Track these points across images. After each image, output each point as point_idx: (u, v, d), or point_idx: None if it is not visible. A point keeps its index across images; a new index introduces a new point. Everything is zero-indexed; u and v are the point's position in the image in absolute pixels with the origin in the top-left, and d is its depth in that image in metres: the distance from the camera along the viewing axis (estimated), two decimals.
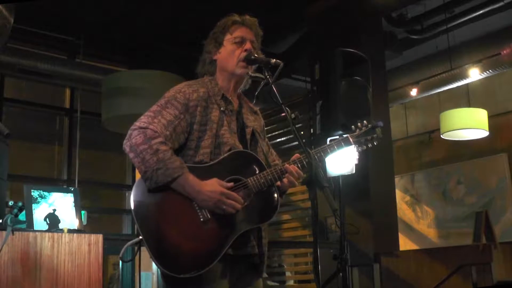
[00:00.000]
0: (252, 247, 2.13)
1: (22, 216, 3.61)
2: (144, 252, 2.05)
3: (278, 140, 6.17)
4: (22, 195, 3.69)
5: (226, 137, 2.14)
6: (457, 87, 6.57)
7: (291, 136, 5.96)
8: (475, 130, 5.34)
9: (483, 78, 6.34)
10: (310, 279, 5.86)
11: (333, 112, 4.04)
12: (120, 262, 4.14)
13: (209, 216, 2.04)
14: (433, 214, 7.50)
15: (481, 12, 5.63)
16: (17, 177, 6.11)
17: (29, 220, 3.58)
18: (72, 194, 3.93)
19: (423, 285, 4.68)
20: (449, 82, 6.42)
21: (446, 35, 5.85)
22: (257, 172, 2.11)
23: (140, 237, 2.02)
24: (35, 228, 3.54)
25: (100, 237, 3.60)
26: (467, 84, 6.67)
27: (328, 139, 2.33)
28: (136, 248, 2.19)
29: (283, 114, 2.16)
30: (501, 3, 5.41)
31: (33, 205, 3.66)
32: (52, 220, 3.68)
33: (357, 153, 3.85)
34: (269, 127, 5.97)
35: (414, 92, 6.82)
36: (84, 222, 4.15)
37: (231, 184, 2.07)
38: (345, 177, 4.20)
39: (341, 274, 3.15)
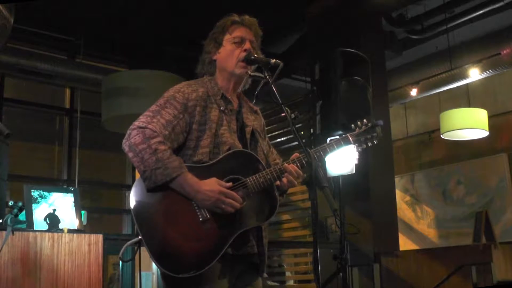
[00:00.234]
0: (251, 246, 2.13)
1: (22, 216, 3.61)
2: (144, 252, 2.05)
3: (278, 140, 6.16)
4: (22, 195, 3.70)
5: (225, 137, 2.14)
6: (457, 87, 6.57)
7: (291, 136, 5.95)
8: (475, 130, 5.34)
9: (483, 78, 6.34)
10: (310, 279, 5.85)
11: (333, 112, 4.04)
12: (120, 262, 4.15)
13: (208, 216, 2.04)
14: (433, 214, 7.50)
15: (481, 12, 5.63)
16: (17, 177, 6.12)
17: (29, 220, 3.58)
18: (72, 194, 3.94)
19: (423, 285, 4.68)
20: (449, 82, 6.43)
21: (446, 35, 5.85)
22: (256, 171, 2.11)
23: (140, 237, 2.02)
24: (35, 228, 3.54)
25: (100, 237, 3.61)
26: (467, 84, 6.67)
27: (328, 139, 2.33)
28: (136, 248, 2.19)
29: (283, 114, 2.16)
30: (501, 3, 5.41)
31: (33, 205, 3.66)
32: (52, 220, 3.68)
33: (357, 153, 3.85)
34: (269, 127, 5.96)
35: (414, 92, 6.82)
36: (84, 222, 4.16)
37: (230, 184, 2.07)
38: (345, 177, 4.19)
39: (341, 274, 3.15)
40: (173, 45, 6.48)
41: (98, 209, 7.26)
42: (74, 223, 3.80)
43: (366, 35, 5.59)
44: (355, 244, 5.06)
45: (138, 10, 5.97)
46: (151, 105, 2.18)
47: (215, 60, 2.29)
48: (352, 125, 2.29)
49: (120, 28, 6.35)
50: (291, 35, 6.54)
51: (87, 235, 3.58)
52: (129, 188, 7.36)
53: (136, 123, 2.10)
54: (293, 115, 2.12)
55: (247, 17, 2.30)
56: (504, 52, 5.86)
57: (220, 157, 2.10)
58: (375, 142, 2.30)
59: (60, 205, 3.80)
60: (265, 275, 2.24)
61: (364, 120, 2.30)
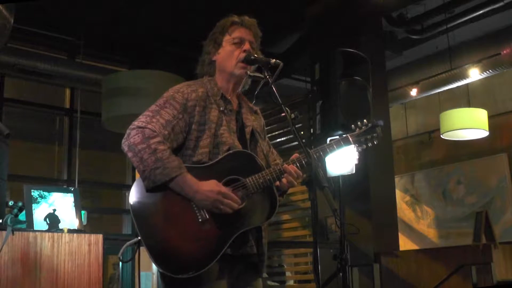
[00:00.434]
0: (250, 247, 2.13)
1: (22, 216, 3.62)
2: (144, 252, 2.05)
3: (278, 140, 6.17)
4: (22, 195, 3.69)
5: (225, 137, 2.14)
6: (457, 87, 6.56)
7: (291, 136, 5.95)
8: (475, 130, 5.34)
9: (483, 78, 6.34)
10: (310, 279, 5.86)
11: (333, 112, 4.04)
12: (120, 262, 4.15)
13: (208, 216, 2.04)
14: (433, 214, 7.50)
15: (481, 12, 5.62)
16: (17, 177, 6.12)
17: (29, 220, 3.58)
18: (72, 194, 3.94)
19: (423, 285, 4.67)
20: (449, 82, 6.42)
21: (446, 35, 5.85)
22: (256, 172, 2.11)
23: (139, 237, 2.02)
24: (35, 228, 3.54)
25: (100, 237, 3.60)
26: (467, 84, 6.66)
27: (328, 139, 2.33)
28: (135, 248, 2.19)
29: (283, 114, 2.16)
30: (501, 3, 5.40)
31: (33, 205, 3.66)
32: (52, 220, 3.68)
33: (357, 153, 3.85)
34: (269, 127, 5.97)
35: (414, 92, 6.81)
36: (84, 222, 4.15)
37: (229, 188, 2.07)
38: (345, 177, 4.19)
39: (341, 274, 3.15)
40: (173, 45, 6.48)
41: (98, 209, 7.26)
42: (74, 223, 3.80)
43: (366, 35, 5.59)
44: (355, 244, 5.06)
45: (138, 10, 5.97)
46: (151, 105, 2.18)
47: (214, 61, 2.29)
48: (352, 125, 2.29)
49: (120, 28, 6.35)
50: (291, 35, 6.53)
51: (87, 235, 3.58)
52: (129, 188, 7.35)
53: (136, 123, 2.10)
54: (293, 115, 2.12)
55: (246, 17, 2.30)
56: (504, 52, 5.85)
57: (220, 157, 2.10)
58: (375, 142, 2.30)
59: (60, 205, 3.80)
60: (264, 275, 2.24)
61: (364, 121, 2.29)
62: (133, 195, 2.07)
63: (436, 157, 7.53)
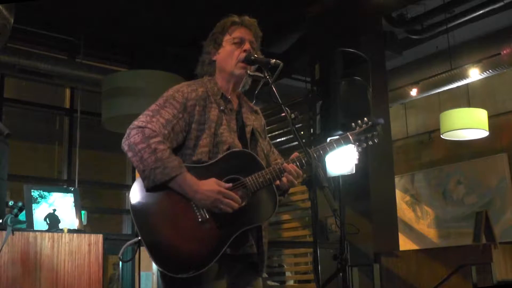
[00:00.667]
0: (250, 246, 2.13)
1: (22, 216, 3.62)
2: (144, 252, 2.05)
3: (278, 140, 6.16)
4: (22, 195, 3.69)
5: (225, 136, 2.14)
6: (457, 87, 6.57)
7: (291, 136, 5.95)
8: (475, 130, 5.34)
9: (483, 78, 6.34)
10: (310, 279, 5.85)
11: (333, 112, 4.04)
12: (120, 262, 4.14)
13: (207, 216, 2.04)
14: (433, 214, 7.50)
15: (481, 12, 5.63)
16: (17, 177, 6.12)
17: (29, 220, 3.58)
18: (72, 194, 3.94)
19: (423, 285, 4.67)
20: (449, 82, 6.42)
21: (446, 35, 5.85)
22: (256, 171, 2.11)
23: (139, 237, 2.02)
24: (35, 228, 3.54)
25: (100, 237, 3.61)
26: (467, 84, 6.66)
27: (328, 139, 2.33)
28: (135, 248, 2.19)
29: (283, 114, 2.15)
30: (501, 3, 5.41)
31: (33, 205, 3.66)
32: (52, 220, 3.68)
33: (357, 153, 3.85)
34: (269, 127, 5.95)
35: (414, 92, 6.81)
36: (84, 222, 4.16)
37: (229, 184, 2.06)
38: (345, 177, 4.19)
39: (341, 274, 3.15)
40: (173, 45, 6.48)
41: (98, 209, 7.26)
42: (74, 223, 3.80)
43: (366, 35, 5.59)
44: (355, 244, 5.06)
45: (138, 10, 5.97)
46: (151, 105, 2.18)
47: (214, 61, 2.29)
48: (353, 123, 2.29)
49: (120, 28, 6.35)
50: (291, 35, 6.53)
51: (87, 235, 3.58)
52: (129, 188, 7.31)
53: (136, 122, 2.10)
54: (293, 115, 2.11)
55: (246, 17, 2.30)
56: (504, 52, 5.85)
57: (220, 156, 2.10)
58: (375, 140, 2.29)
59: (60, 205, 3.80)
60: (264, 275, 2.24)
61: (365, 119, 2.29)
62: (133, 195, 2.07)
63: (436, 157, 7.53)
